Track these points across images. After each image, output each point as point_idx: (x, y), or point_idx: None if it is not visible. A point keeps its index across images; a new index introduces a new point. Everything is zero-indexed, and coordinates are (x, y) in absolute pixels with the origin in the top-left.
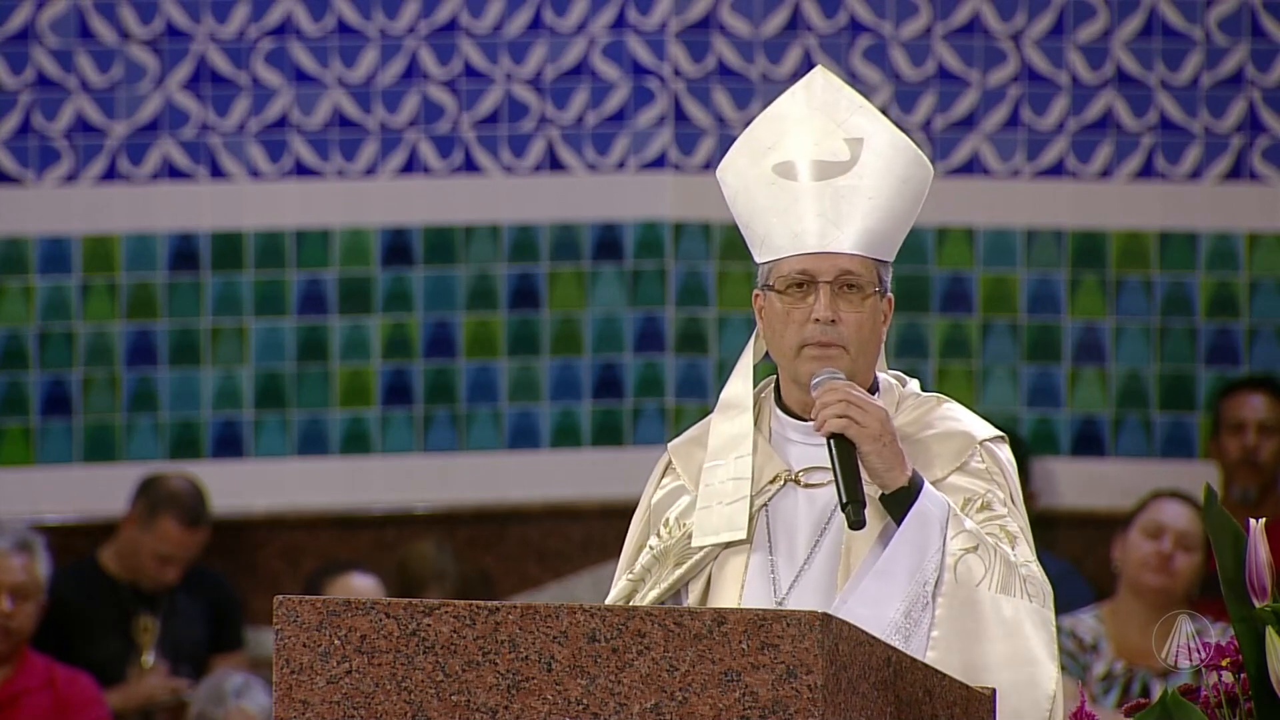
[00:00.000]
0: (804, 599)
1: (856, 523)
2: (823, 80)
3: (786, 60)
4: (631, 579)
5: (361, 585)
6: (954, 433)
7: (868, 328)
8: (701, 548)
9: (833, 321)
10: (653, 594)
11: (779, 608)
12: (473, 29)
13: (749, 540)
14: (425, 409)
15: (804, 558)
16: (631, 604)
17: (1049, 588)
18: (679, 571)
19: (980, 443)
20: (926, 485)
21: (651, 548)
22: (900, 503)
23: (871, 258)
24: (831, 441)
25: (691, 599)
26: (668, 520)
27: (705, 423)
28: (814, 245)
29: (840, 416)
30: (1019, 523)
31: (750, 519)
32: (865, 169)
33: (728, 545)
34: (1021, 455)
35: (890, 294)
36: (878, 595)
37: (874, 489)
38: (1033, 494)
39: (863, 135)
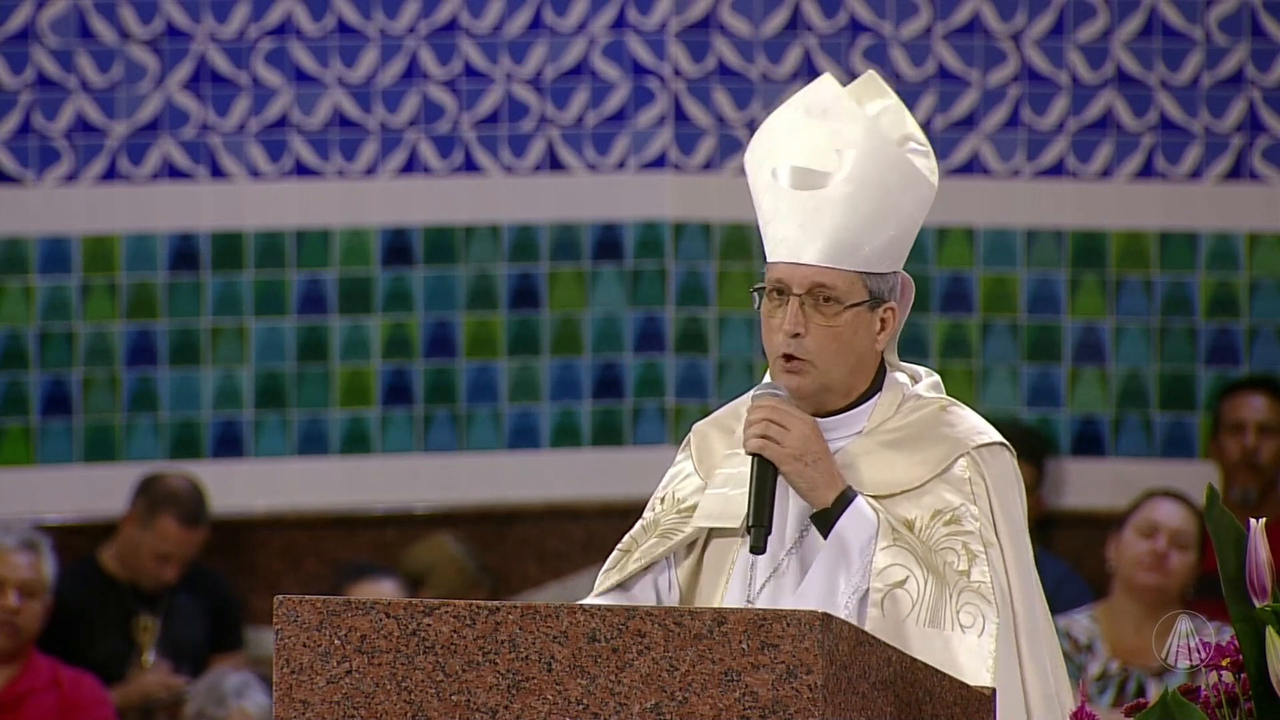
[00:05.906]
0: (771, 600)
1: (756, 548)
2: (828, 87)
3: (786, 60)
4: (622, 549)
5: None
6: (943, 438)
7: (842, 341)
8: (690, 528)
9: (796, 335)
10: (634, 565)
11: (748, 604)
12: (473, 29)
13: (742, 533)
14: (425, 409)
15: (782, 558)
16: (616, 574)
17: (991, 609)
18: (661, 548)
19: (969, 450)
20: (853, 507)
21: (645, 519)
22: (827, 523)
23: (849, 270)
24: (754, 460)
25: (681, 579)
26: (665, 496)
27: (739, 401)
28: (786, 254)
29: (759, 436)
30: (993, 535)
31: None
32: (847, 180)
33: (721, 533)
34: (1036, 454)
35: (893, 302)
36: None
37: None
38: (1040, 496)
39: (851, 146)
